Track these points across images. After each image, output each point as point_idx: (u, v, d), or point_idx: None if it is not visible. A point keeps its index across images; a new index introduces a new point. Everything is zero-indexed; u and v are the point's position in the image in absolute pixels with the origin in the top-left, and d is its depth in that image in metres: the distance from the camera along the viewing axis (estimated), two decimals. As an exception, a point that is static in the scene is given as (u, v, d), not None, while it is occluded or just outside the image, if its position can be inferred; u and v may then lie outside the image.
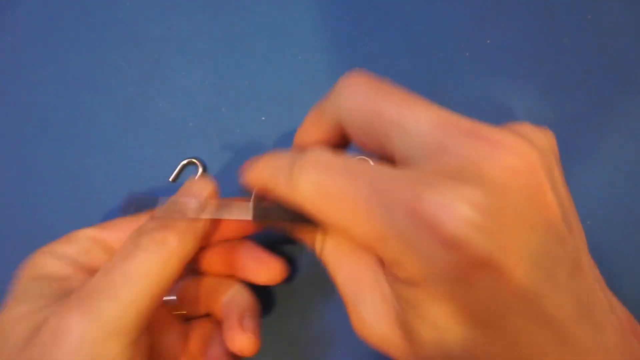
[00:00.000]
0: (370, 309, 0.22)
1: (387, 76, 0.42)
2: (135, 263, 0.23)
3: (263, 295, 0.33)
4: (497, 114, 0.41)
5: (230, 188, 0.41)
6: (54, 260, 0.26)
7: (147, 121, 0.42)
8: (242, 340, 0.27)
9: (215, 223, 0.29)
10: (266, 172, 0.24)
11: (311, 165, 0.22)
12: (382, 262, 0.23)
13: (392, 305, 0.22)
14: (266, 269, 0.30)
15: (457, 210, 0.17)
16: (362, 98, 0.24)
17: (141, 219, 0.28)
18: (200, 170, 0.41)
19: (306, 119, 0.27)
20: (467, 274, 0.18)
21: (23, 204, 0.41)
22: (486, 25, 0.43)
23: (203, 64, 0.44)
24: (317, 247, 0.26)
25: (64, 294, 0.24)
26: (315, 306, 0.38)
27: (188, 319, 0.33)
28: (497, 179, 0.18)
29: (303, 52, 0.43)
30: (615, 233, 0.39)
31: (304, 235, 0.27)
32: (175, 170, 0.41)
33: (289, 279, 0.38)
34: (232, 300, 0.30)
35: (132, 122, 0.42)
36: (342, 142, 0.26)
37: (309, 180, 0.22)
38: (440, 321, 0.20)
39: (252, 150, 0.41)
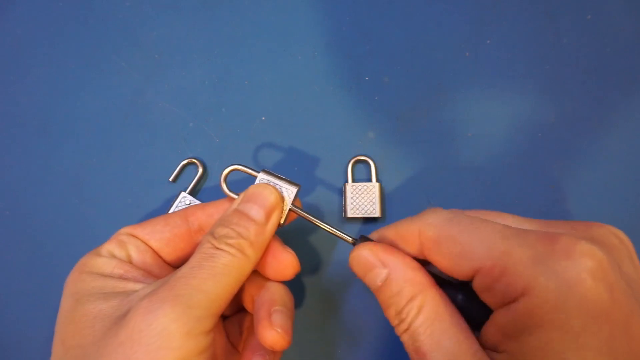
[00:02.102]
0: None
1: (387, 76, 0.43)
2: (220, 263, 0.26)
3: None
4: (497, 114, 0.41)
5: (230, 188, 0.41)
6: (104, 259, 0.29)
7: (147, 121, 0.42)
8: (272, 335, 0.28)
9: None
10: (393, 225, 0.29)
11: (438, 208, 0.27)
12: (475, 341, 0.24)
13: None
14: (277, 263, 0.30)
15: (588, 245, 0.22)
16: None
17: (169, 215, 0.32)
18: (201, 170, 0.41)
19: (385, 230, 0.30)
20: (606, 307, 0.20)
21: (23, 203, 0.41)
22: (486, 25, 0.43)
23: (203, 64, 0.44)
24: (408, 314, 0.25)
25: (124, 292, 0.27)
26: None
27: (224, 317, 0.34)
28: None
29: (303, 52, 0.43)
30: (615, 233, 0.39)
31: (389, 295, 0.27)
32: (175, 170, 0.41)
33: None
34: (263, 296, 0.30)
35: (132, 122, 0.42)
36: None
37: (437, 213, 0.27)
38: None
39: (252, 150, 0.41)
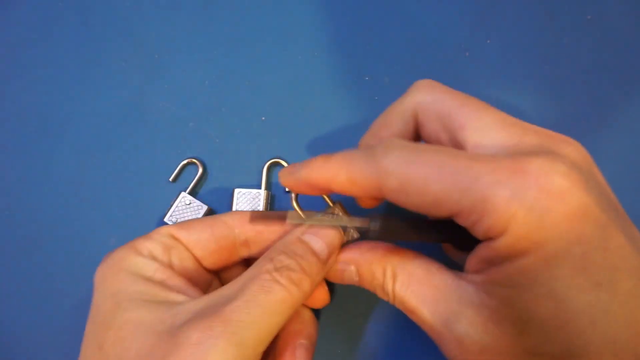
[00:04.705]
0: (467, 324, 0.23)
1: (387, 76, 0.43)
2: (277, 300, 0.25)
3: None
4: (497, 114, 0.41)
5: (230, 188, 0.41)
6: (146, 260, 0.28)
7: (147, 121, 0.42)
8: None
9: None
10: (338, 164, 0.25)
11: (396, 145, 0.24)
12: (457, 279, 0.25)
13: (490, 307, 0.23)
14: (313, 297, 0.30)
15: (559, 167, 0.21)
16: (437, 95, 0.27)
17: (215, 222, 0.30)
18: (201, 170, 0.41)
19: (380, 118, 0.30)
20: (579, 226, 0.21)
21: (23, 203, 0.41)
22: (486, 25, 0.43)
23: (203, 64, 0.44)
24: (388, 285, 0.27)
25: (166, 302, 0.26)
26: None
27: None
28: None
29: (303, 52, 0.43)
30: (615, 233, 0.39)
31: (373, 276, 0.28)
32: (175, 170, 0.41)
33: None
34: (292, 323, 0.29)
35: (132, 122, 0.42)
36: (411, 137, 0.29)
37: (395, 154, 0.23)
38: (560, 290, 0.21)
39: (252, 150, 0.41)
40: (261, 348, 0.24)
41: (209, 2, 0.45)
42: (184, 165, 0.41)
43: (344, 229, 0.29)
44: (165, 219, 0.39)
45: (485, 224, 0.22)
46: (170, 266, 0.29)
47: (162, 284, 0.27)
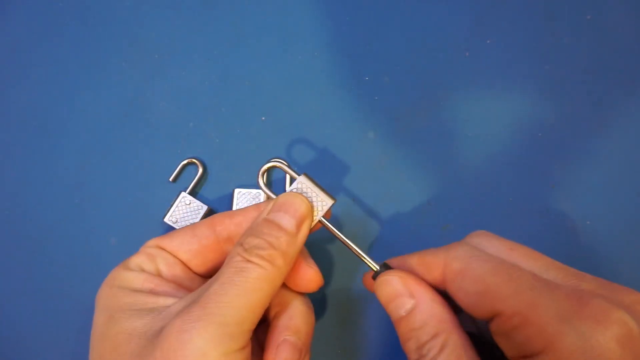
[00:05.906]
0: None
1: (387, 76, 0.43)
2: (251, 278, 0.26)
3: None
4: (497, 114, 0.41)
5: (230, 188, 0.41)
6: (134, 273, 0.29)
7: (147, 121, 0.42)
8: None
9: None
10: (416, 252, 0.29)
11: (466, 244, 0.27)
12: None
13: None
14: (300, 279, 0.30)
15: (619, 312, 0.21)
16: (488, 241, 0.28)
17: (196, 225, 0.31)
18: (201, 170, 0.41)
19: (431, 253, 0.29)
20: None
21: (23, 203, 0.41)
22: (486, 25, 0.43)
23: (203, 64, 0.44)
24: (431, 352, 0.25)
25: (156, 308, 0.27)
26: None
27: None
28: None
29: (303, 52, 0.43)
30: (615, 233, 0.39)
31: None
32: (175, 170, 0.41)
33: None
34: (280, 318, 0.29)
35: (132, 122, 0.42)
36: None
37: (465, 248, 0.26)
38: None
39: (252, 150, 0.41)
40: (246, 326, 0.25)
41: (209, 2, 0.45)
42: (184, 165, 0.41)
43: (314, 200, 0.30)
44: (165, 219, 0.39)
45: (525, 333, 0.22)
46: (158, 274, 0.30)
47: (151, 292, 0.28)
